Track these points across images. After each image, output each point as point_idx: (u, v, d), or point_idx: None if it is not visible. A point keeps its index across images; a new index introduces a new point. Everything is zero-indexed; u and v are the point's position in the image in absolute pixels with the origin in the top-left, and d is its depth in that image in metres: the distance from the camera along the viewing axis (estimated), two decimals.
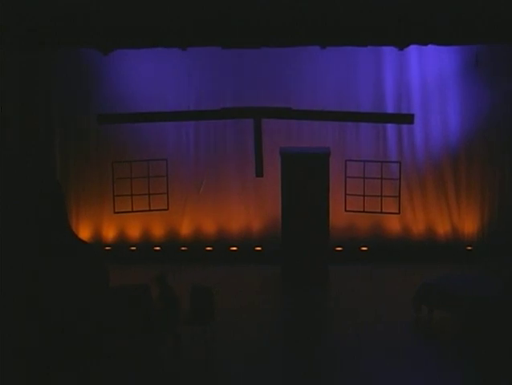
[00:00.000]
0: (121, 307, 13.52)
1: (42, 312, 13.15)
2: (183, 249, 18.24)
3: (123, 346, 13.37)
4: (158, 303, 13.50)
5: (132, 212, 17.30)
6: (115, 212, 17.28)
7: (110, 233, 18.26)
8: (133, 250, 18.22)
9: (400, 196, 17.13)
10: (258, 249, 18.18)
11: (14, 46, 14.84)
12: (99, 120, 17.02)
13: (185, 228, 18.27)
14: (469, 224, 18.02)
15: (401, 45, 15.09)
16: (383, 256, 17.93)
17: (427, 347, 13.83)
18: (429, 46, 14.89)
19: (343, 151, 17.58)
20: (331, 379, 12.82)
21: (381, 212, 17.21)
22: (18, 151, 16.37)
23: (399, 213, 17.38)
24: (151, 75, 17.63)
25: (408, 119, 16.77)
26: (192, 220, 18.21)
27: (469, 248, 17.98)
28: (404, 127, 17.55)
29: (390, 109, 17.57)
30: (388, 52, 17.04)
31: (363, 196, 17.04)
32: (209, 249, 18.22)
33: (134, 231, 18.27)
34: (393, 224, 18.02)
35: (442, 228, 18.07)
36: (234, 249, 18.21)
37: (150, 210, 17.44)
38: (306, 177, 16.63)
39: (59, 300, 13.24)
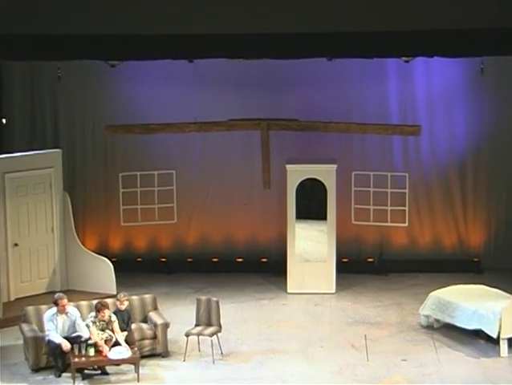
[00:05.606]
0: None
1: None
2: (189, 260, 18.26)
3: None
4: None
5: (140, 223, 17.41)
6: (123, 223, 17.39)
7: (116, 244, 18.28)
8: (139, 261, 18.24)
9: (407, 207, 17.17)
10: (264, 260, 18.19)
11: (22, 57, 14.93)
12: (106, 131, 17.16)
13: (192, 239, 18.29)
14: (476, 236, 17.99)
15: (407, 57, 15.20)
16: (389, 267, 17.93)
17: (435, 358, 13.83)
18: (435, 58, 14.93)
19: (350, 163, 17.59)
20: None
21: (389, 224, 17.28)
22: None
23: (407, 225, 17.42)
24: (158, 87, 17.69)
25: (414, 130, 16.85)
26: (198, 231, 18.24)
27: (476, 259, 17.95)
28: (411, 138, 17.54)
29: (396, 121, 17.58)
30: (395, 64, 17.05)
31: (371, 207, 17.12)
32: (215, 260, 18.24)
33: (140, 242, 18.28)
34: (400, 236, 18.01)
35: (449, 239, 18.04)
36: (240, 260, 18.23)
37: (158, 222, 17.53)
38: (312, 189, 16.66)
39: None
